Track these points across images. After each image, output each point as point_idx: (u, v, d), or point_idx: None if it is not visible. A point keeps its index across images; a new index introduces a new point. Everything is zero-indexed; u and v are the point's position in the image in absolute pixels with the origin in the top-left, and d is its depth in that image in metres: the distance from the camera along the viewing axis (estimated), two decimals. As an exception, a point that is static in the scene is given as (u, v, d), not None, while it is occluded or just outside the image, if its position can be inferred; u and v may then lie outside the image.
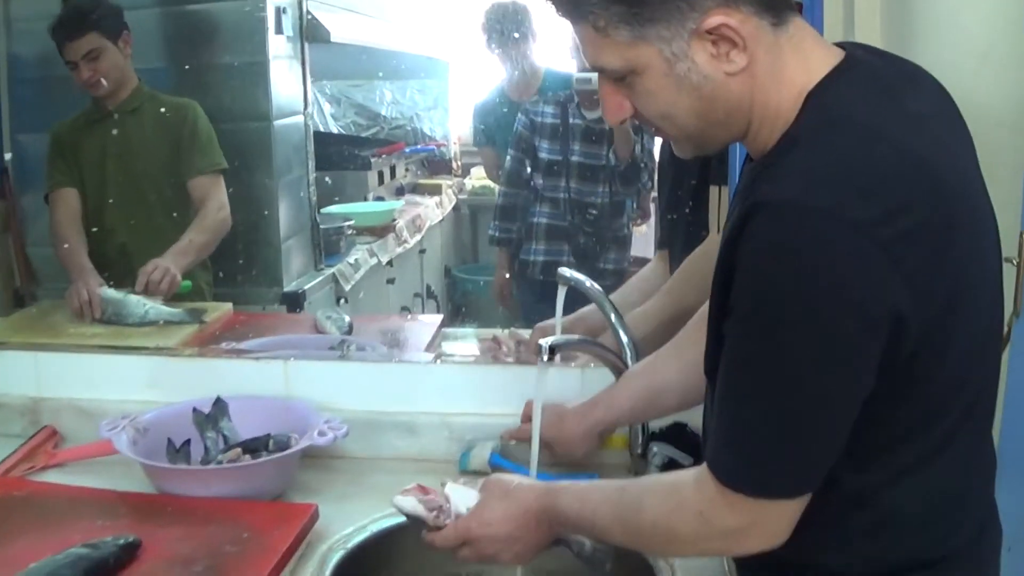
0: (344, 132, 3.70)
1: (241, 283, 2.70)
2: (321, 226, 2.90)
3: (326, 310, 2.42)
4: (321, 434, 1.74)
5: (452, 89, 4.29)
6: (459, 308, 3.64)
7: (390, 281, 3.02)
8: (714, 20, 1.05)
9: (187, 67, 2.74)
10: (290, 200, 2.79)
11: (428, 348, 2.35)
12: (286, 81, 2.76)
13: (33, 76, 2.67)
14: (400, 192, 3.84)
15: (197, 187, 2.59)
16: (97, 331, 2.31)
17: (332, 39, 2.86)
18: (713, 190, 1.83)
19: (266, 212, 2.71)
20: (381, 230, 3.09)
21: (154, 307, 2.37)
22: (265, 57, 2.67)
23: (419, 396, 1.97)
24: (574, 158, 3.06)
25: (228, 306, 2.53)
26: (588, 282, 1.78)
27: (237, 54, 2.70)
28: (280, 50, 2.72)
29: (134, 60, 2.58)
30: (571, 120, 3.06)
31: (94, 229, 2.59)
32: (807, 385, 1.04)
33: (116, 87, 2.56)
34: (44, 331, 2.33)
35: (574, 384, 1.87)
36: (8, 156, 2.70)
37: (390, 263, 3.06)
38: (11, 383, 2.10)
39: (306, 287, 2.74)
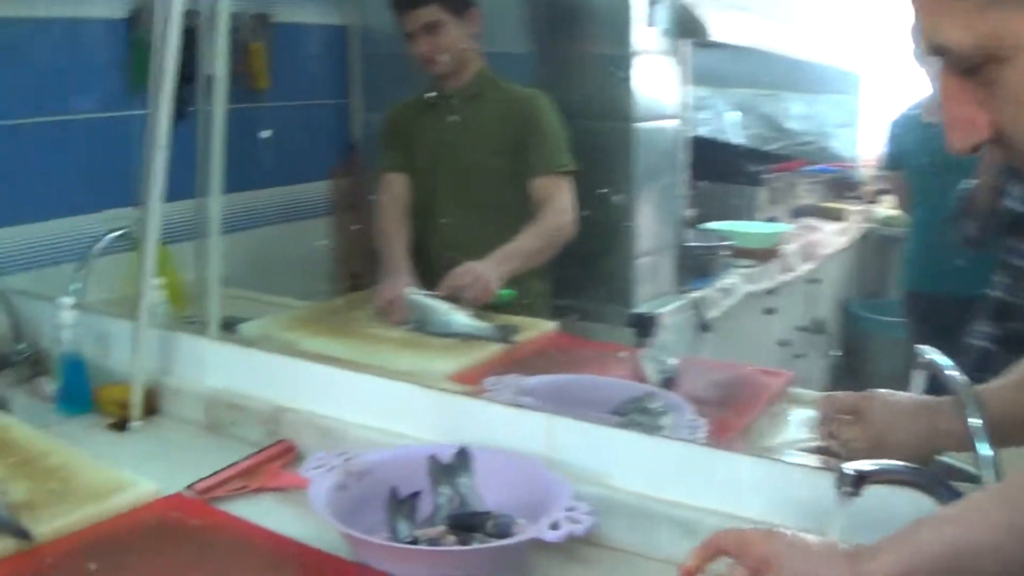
0: (744, 143, 3.40)
1: (584, 299, 2.45)
2: (691, 244, 2.60)
3: (655, 349, 2.02)
4: (554, 527, 1.35)
5: (864, 105, 3.90)
6: (854, 348, 3.15)
7: (769, 311, 2.62)
8: None
9: (543, 55, 2.59)
10: (652, 212, 2.53)
11: (761, 412, 1.83)
12: (655, 80, 2.49)
13: (386, 52, 2.60)
14: (796, 214, 3.50)
15: (539, 188, 2.34)
16: (394, 335, 2.18)
17: (710, 37, 2.56)
18: None
19: (621, 223, 2.46)
20: (764, 254, 2.75)
21: (460, 318, 2.16)
22: (630, 51, 2.43)
23: (708, 488, 1.46)
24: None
25: (550, 325, 2.25)
26: (950, 368, 1.30)
27: (600, 45, 2.50)
28: (650, 44, 2.46)
29: (485, 42, 2.41)
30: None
31: (419, 221, 2.45)
32: None
33: (456, 68, 2.38)
34: (339, 326, 2.25)
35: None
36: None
37: (770, 291, 2.65)
38: (258, 386, 1.95)
39: (660, 311, 2.41)
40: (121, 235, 2.29)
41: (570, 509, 1.38)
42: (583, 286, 2.44)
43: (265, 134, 2.51)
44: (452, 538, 1.41)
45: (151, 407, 2.04)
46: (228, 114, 2.69)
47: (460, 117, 2.42)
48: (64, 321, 2.04)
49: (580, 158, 2.34)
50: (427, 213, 2.45)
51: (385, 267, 2.36)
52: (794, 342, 2.70)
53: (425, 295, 2.19)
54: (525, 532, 1.38)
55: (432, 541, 1.40)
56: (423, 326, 2.15)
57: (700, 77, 2.66)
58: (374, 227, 2.49)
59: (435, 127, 2.46)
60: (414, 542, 1.41)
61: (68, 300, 2.07)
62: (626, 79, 2.42)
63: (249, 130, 2.80)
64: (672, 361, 1.90)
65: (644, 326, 2.36)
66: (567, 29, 2.53)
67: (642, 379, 1.89)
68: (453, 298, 2.17)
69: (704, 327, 2.44)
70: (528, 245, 2.31)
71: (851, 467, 1.11)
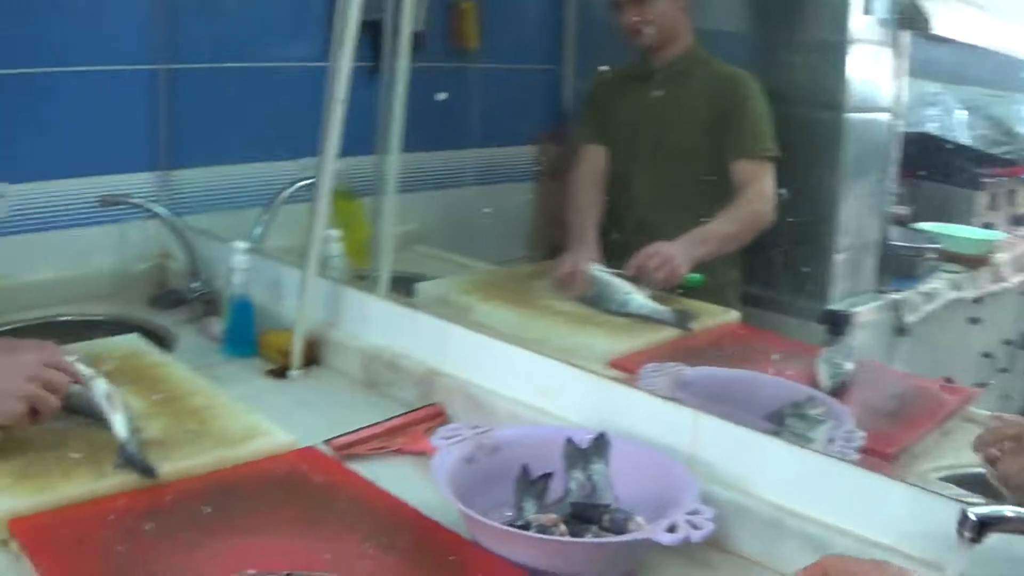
0: (970, 144, 3.13)
1: (776, 290, 2.31)
2: (895, 243, 2.41)
3: (833, 351, 1.87)
4: (671, 529, 1.27)
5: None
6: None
7: (974, 321, 2.41)
8: None
9: (755, 36, 2.45)
10: (856, 206, 2.36)
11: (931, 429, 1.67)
12: (871, 71, 2.33)
13: (603, 20, 2.49)
14: (1015, 222, 3.07)
15: (740, 171, 2.23)
16: (567, 309, 2.11)
17: (932, 30, 2.35)
18: None
19: (822, 215, 2.30)
20: (974, 260, 2.52)
21: (638, 298, 2.07)
22: (845, 38, 2.28)
23: (846, 508, 1.34)
24: None
25: (733, 315, 2.13)
26: None
27: (815, 30, 2.35)
28: (868, 33, 2.30)
29: (700, 19, 2.32)
30: None
31: (613, 195, 2.38)
32: None
33: (664, 41, 2.30)
34: (515, 294, 2.20)
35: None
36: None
37: (977, 300, 2.43)
38: (417, 347, 1.95)
39: (856, 309, 2.25)
40: (308, 184, 2.31)
41: (693, 512, 1.29)
42: (775, 277, 2.32)
43: (441, 96, 2.49)
44: (563, 527, 1.34)
45: (313, 357, 2.06)
46: (433, 72, 2.72)
47: (664, 92, 2.34)
48: (237, 264, 2.08)
49: (785, 144, 2.23)
50: (622, 188, 2.38)
51: (572, 239, 2.31)
52: (998, 355, 2.48)
53: (607, 271, 2.13)
54: (639, 531, 1.31)
55: (543, 528, 1.34)
56: (599, 303, 2.09)
57: (924, 72, 2.48)
58: (567, 197, 2.44)
59: (638, 101, 2.38)
60: (526, 526, 1.35)
61: (242, 244, 2.10)
62: (839, 67, 2.29)
63: (455, 89, 2.80)
64: (848, 366, 1.77)
65: (837, 324, 2.20)
66: (782, 11, 2.40)
67: (813, 381, 1.77)
68: (637, 278, 2.10)
69: (901, 330, 2.26)
70: (723, 230, 2.21)
71: (976, 511, 0.98)
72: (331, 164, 1.96)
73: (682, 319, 2.02)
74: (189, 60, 2.54)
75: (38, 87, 2.37)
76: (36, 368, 1.48)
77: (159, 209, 2.42)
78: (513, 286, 2.27)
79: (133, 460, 1.45)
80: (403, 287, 2.18)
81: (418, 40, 2.70)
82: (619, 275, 2.12)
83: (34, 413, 1.47)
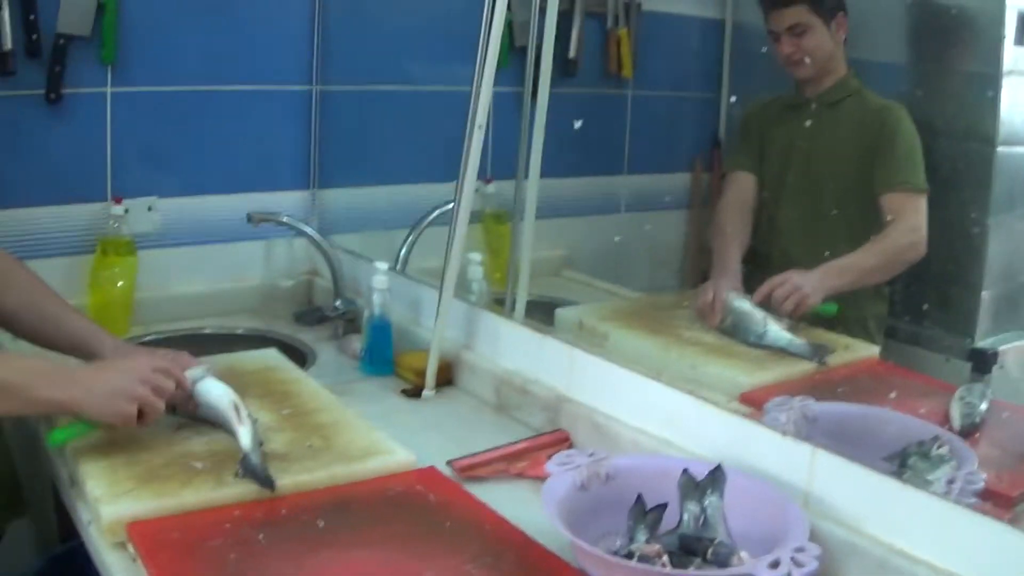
0: None
1: (922, 325, 2.25)
2: None
3: (968, 389, 1.82)
4: (774, 565, 1.26)
5: None
6: None
7: None
8: None
9: (908, 67, 2.43)
10: (1009, 241, 2.29)
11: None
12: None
13: (755, 49, 2.48)
14: None
15: (890, 204, 2.20)
16: (705, 338, 2.10)
17: None
18: None
19: (971, 250, 2.25)
20: None
21: (775, 330, 2.05)
22: (997, 70, 2.22)
23: (959, 553, 1.31)
24: None
25: (872, 350, 2.10)
26: None
27: (968, 61, 2.31)
28: (1020, 65, 2.24)
29: (854, 50, 2.31)
30: None
31: (760, 224, 2.38)
32: None
33: (819, 73, 2.30)
34: (654, 322, 2.19)
35: None
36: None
37: None
38: (546, 372, 1.98)
39: (1002, 348, 2.18)
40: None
41: (799, 550, 1.28)
42: (921, 312, 2.26)
43: (577, 124, 2.50)
44: (665, 558, 1.35)
45: (447, 378, 2.11)
46: (585, 98, 2.76)
47: (816, 122, 2.33)
48: (377, 284, 2.15)
49: (935, 177, 2.20)
50: (769, 217, 2.37)
51: (715, 266, 2.31)
52: None
53: (747, 301, 2.12)
54: (741, 566, 1.30)
55: (645, 558, 1.35)
56: (737, 333, 2.08)
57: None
58: (712, 224, 2.45)
59: (790, 130, 2.38)
60: (630, 556, 1.36)
61: (383, 264, 2.17)
62: (991, 99, 2.24)
63: (609, 116, 2.83)
64: (983, 406, 1.72)
65: (984, 362, 2.14)
66: (935, 42, 2.38)
67: (945, 420, 1.73)
68: (767, 305, 2.09)
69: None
70: (866, 262, 2.18)
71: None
72: (470, 189, 2.00)
73: (818, 352, 1.99)
74: (342, 82, 2.65)
75: (198, 104, 2.52)
76: (147, 373, 1.58)
77: (306, 228, 2.52)
78: (653, 314, 2.27)
79: (255, 471, 1.52)
80: (546, 311, 2.21)
81: (572, 66, 2.77)
82: (758, 305, 2.10)
83: (141, 415, 1.56)
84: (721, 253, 2.33)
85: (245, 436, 1.58)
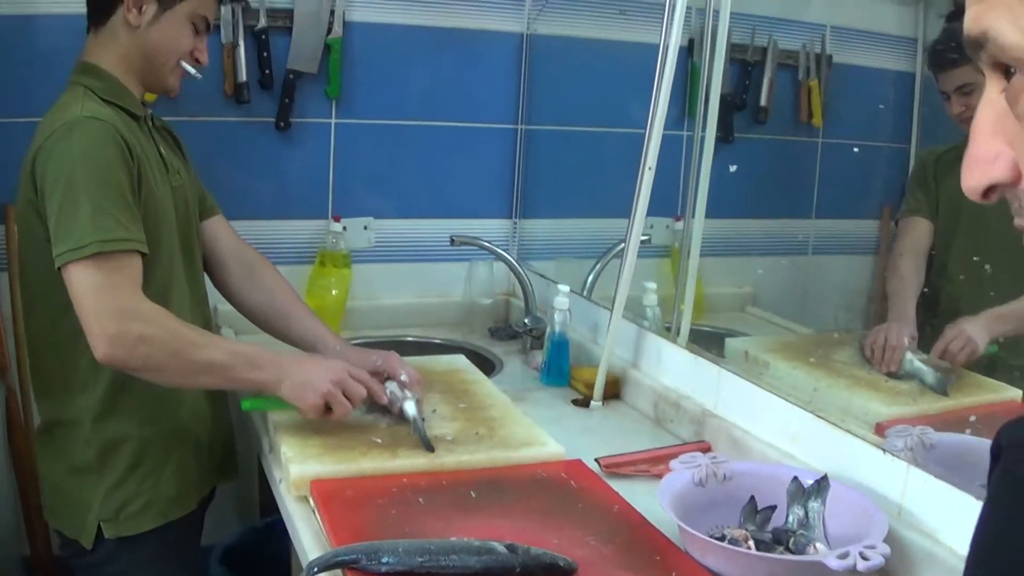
0: None
1: None
2: None
3: None
4: (843, 556, 1.47)
5: None
6: None
7: None
8: None
9: None
10: None
11: None
12: None
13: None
14: None
15: None
16: (855, 372, 2.25)
17: None
18: None
19: None
20: None
21: (910, 361, 2.21)
22: None
23: None
24: None
25: (1015, 393, 2.13)
26: None
27: None
28: None
29: None
30: None
31: (933, 268, 2.48)
32: None
33: None
34: (811, 354, 2.35)
35: None
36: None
37: None
38: (698, 390, 2.24)
39: None
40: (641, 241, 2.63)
41: (870, 547, 1.48)
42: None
43: (732, 168, 2.68)
44: (751, 543, 1.59)
45: (614, 392, 2.39)
46: (776, 144, 2.97)
47: None
48: (558, 305, 2.46)
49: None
50: (940, 265, 2.47)
51: (892, 311, 2.41)
52: None
53: (920, 360, 2.23)
54: (815, 555, 1.53)
55: (734, 541, 1.59)
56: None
57: None
58: (888, 269, 2.57)
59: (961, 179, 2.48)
60: (722, 538, 1.61)
61: (564, 287, 2.48)
62: None
63: (798, 162, 3.03)
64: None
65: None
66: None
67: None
68: (943, 359, 2.20)
69: None
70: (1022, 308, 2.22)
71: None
72: (640, 224, 2.27)
73: (942, 383, 2.13)
74: (545, 122, 2.98)
75: (413, 136, 2.92)
76: (343, 375, 1.89)
77: (502, 251, 2.86)
78: (815, 350, 2.41)
79: (420, 433, 1.87)
80: (717, 342, 2.44)
81: (764, 114, 2.99)
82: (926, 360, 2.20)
83: (328, 410, 1.88)
84: (897, 297, 2.43)
85: (410, 407, 1.93)
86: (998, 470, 0.75)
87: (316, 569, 1.48)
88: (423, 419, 1.94)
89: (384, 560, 1.46)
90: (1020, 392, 2.16)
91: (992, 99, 0.69)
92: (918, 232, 2.52)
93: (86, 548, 1.96)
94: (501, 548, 1.50)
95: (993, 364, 2.23)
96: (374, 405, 1.98)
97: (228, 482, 2.25)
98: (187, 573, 2.13)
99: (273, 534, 2.56)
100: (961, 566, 1.52)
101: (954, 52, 2.36)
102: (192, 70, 2.05)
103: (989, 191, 0.74)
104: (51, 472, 2.03)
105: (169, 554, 2.03)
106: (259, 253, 2.26)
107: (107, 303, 1.76)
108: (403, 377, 2.03)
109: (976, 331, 2.19)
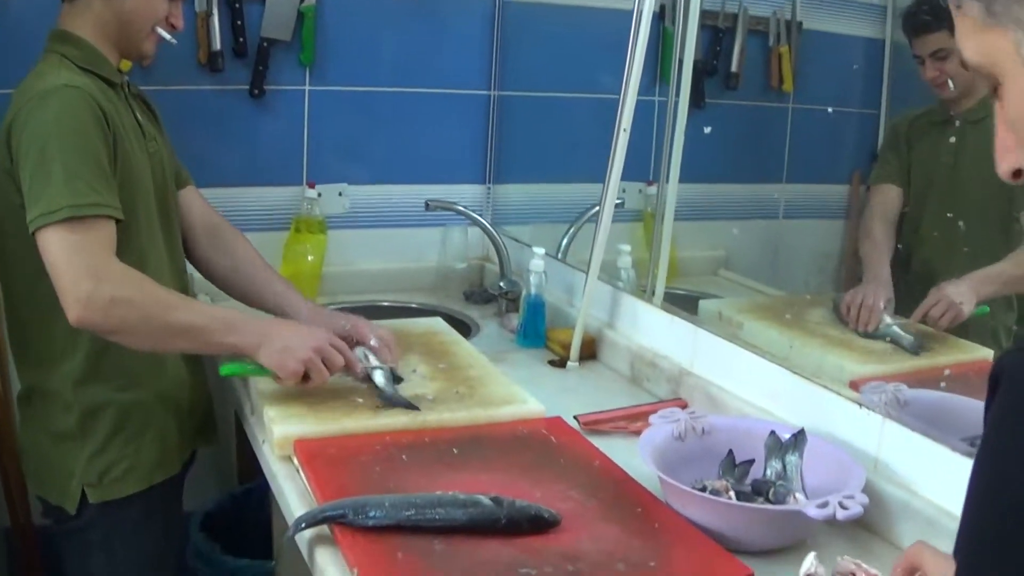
0: None
1: None
2: None
3: None
4: (822, 506, 1.51)
5: None
6: None
7: None
8: None
9: None
10: None
11: None
12: None
13: (914, 68, 2.59)
14: None
15: None
16: (828, 331, 2.30)
17: None
18: None
19: None
20: None
21: (887, 325, 2.24)
22: None
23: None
24: None
25: (987, 353, 2.19)
26: None
27: None
28: None
29: None
30: None
31: (903, 234, 2.52)
32: None
33: (962, 93, 2.43)
34: (784, 314, 2.39)
35: None
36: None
37: None
38: (673, 349, 2.27)
39: None
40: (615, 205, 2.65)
41: (848, 496, 1.52)
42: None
43: (707, 130, 2.70)
44: (732, 494, 1.62)
45: (590, 353, 2.42)
46: (747, 110, 2.98)
47: (958, 139, 2.46)
48: (533, 267, 2.48)
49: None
50: (912, 228, 2.51)
51: (867, 273, 2.45)
52: None
53: (895, 324, 2.26)
54: (795, 504, 1.56)
55: (715, 492, 1.61)
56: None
57: None
58: (860, 233, 2.60)
59: (934, 145, 2.51)
60: (703, 489, 1.63)
61: (539, 250, 2.50)
62: None
63: (769, 127, 3.05)
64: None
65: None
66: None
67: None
68: (925, 323, 2.22)
69: None
70: (1010, 272, 2.28)
71: None
72: (615, 185, 2.29)
73: (915, 345, 2.17)
74: (517, 88, 3.00)
75: (387, 103, 2.93)
76: (323, 343, 1.89)
77: (478, 218, 2.88)
78: (788, 310, 2.45)
79: (390, 400, 1.89)
80: (690, 304, 2.46)
81: (735, 80, 3.01)
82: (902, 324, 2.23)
83: (306, 378, 1.87)
84: (871, 260, 2.47)
85: (379, 376, 1.94)
86: (998, 396, 0.79)
87: (303, 524, 1.50)
88: (395, 387, 1.95)
89: (371, 514, 1.48)
90: (991, 352, 2.20)
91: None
92: (888, 198, 2.55)
93: (70, 513, 1.97)
94: (486, 501, 1.52)
95: (985, 326, 2.27)
96: (347, 372, 1.99)
97: (209, 446, 2.25)
98: (171, 537, 2.15)
99: (252, 500, 2.59)
100: (938, 516, 1.57)
101: (928, 16, 2.40)
102: (168, 35, 2.04)
103: (1016, 174, 0.88)
104: (33, 439, 2.04)
105: (153, 518, 2.03)
106: (225, 219, 2.26)
107: (80, 266, 1.75)
108: (372, 342, 2.03)
109: (960, 294, 2.21)
